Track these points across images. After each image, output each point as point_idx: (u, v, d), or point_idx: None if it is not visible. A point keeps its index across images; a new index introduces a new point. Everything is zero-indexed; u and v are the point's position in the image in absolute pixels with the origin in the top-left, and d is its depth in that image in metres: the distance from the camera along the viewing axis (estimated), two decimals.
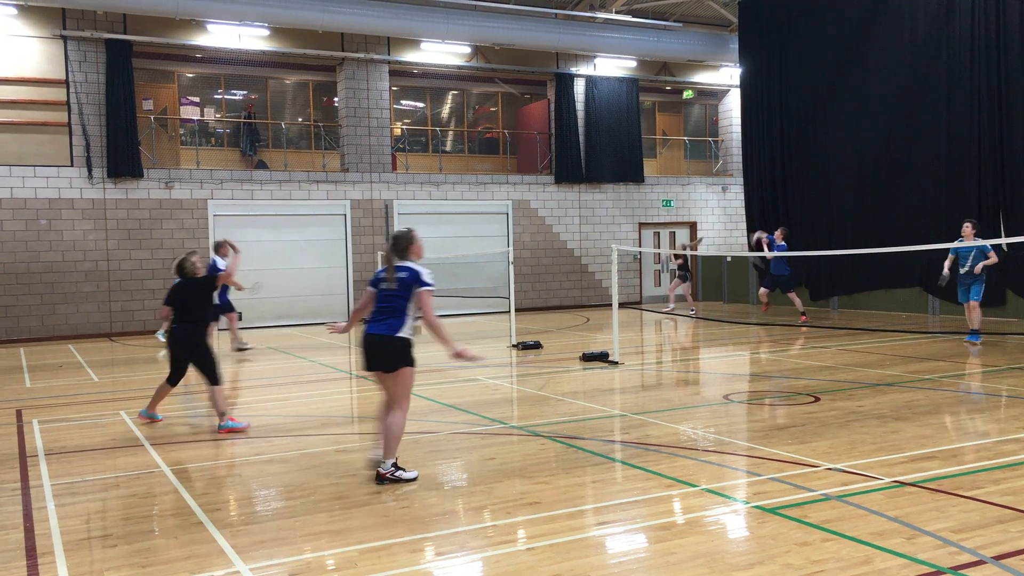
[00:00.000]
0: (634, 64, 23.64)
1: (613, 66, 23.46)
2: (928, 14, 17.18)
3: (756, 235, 17.84)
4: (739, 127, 23.55)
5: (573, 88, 23.02)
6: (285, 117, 21.85)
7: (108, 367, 13.47)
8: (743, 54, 22.00)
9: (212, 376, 8.22)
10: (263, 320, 19.64)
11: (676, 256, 20.51)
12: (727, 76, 25.07)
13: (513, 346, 14.11)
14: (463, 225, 21.88)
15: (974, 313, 12.61)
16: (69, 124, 18.11)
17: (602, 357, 12.17)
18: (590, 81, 23.14)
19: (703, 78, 25.13)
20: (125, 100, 18.27)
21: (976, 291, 12.51)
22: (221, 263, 13.83)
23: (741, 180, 23.20)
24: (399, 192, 21.16)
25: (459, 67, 22.12)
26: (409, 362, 6.12)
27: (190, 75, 20.84)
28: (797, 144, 20.39)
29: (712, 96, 26.34)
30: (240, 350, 14.52)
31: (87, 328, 18.15)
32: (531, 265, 22.49)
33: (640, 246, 23.96)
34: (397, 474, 6.06)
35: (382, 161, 21.00)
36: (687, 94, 25.85)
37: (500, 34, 20.78)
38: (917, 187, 17.49)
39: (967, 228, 12.59)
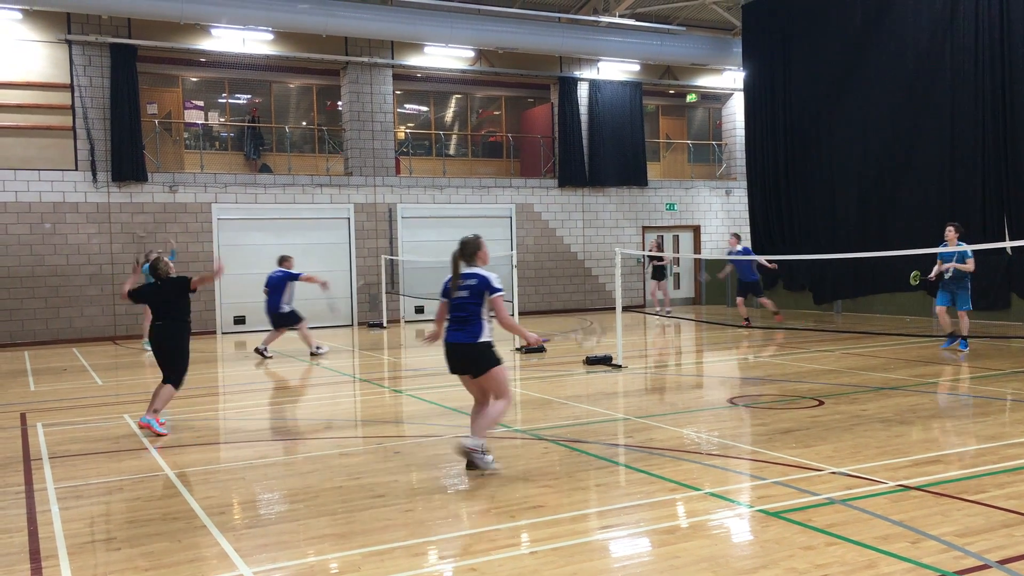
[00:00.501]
0: (637, 68, 23.65)
1: (616, 70, 23.48)
2: (931, 18, 17.17)
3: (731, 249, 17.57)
4: (743, 131, 23.55)
5: (576, 92, 23.03)
6: (289, 121, 21.89)
7: (112, 370, 13.49)
8: (746, 58, 22.00)
9: (174, 377, 8.24)
10: (266, 324, 19.59)
11: (652, 257, 20.63)
12: (730, 80, 25.07)
13: (516, 350, 14.10)
14: (467, 229, 21.57)
15: (963, 321, 12.36)
16: (74, 128, 18.16)
17: (606, 361, 12.16)
18: (593, 85, 23.15)
19: (706, 82, 25.13)
20: (129, 104, 18.32)
21: (963, 299, 12.23)
22: (295, 272, 14.48)
23: (745, 184, 23.19)
24: (403, 196, 21.18)
25: (463, 71, 22.14)
26: (496, 362, 6.35)
27: (194, 79, 20.89)
28: (801, 148, 20.38)
29: (715, 100, 26.34)
30: (315, 354, 14.43)
31: (91, 331, 18.18)
32: (535, 268, 22.49)
33: (643, 249, 23.93)
34: (484, 457, 6.27)
35: (386, 165, 21.02)
36: (691, 98, 25.85)
37: (504, 38, 20.80)
38: (921, 191, 17.47)
39: (950, 232, 12.28)
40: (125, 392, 11.19)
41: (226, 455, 7.51)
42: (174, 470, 6.81)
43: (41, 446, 7.89)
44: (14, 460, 7.37)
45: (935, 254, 12.54)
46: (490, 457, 6.34)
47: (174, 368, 8.27)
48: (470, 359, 6.31)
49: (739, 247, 17.19)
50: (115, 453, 7.52)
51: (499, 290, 6.31)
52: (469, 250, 6.50)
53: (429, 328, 6.88)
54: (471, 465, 6.32)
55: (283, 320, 14.51)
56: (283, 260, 14.66)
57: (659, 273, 20.77)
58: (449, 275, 6.50)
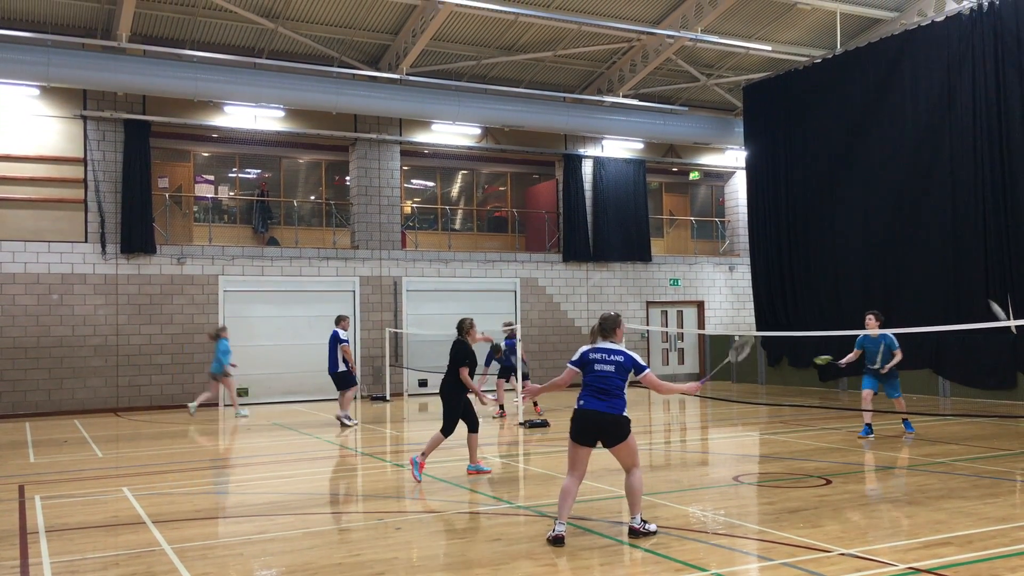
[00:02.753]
0: (641, 146, 24.06)
1: (620, 148, 23.88)
2: (930, 98, 17.52)
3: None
4: (745, 208, 23.80)
5: (581, 168, 23.38)
6: (298, 195, 22.20)
7: (113, 443, 13.39)
8: (748, 137, 22.39)
9: (471, 423, 9.52)
10: (270, 396, 19.58)
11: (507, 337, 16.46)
12: (732, 158, 25.46)
13: (520, 424, 13.99)
14: (471, 302, 21.94)
15: (900, 405, 12.05)
16: (85, 201, 18.43)
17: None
18: (598, 162, 23.51)
19: (709, 160, 25.52)
20: (141, 178, 18.62)
21: (894, 386, 11.91)
22: (343, 335, 14.91)
23: (748, 260, 23.33)
24: (408, 269, 21.32)
25: (469, 147, 22.53)
26: (630, 431, 6.68)
27: (206, 154, 21.27)
28: (803, 225, 20.56)
29: (718, 178, 26.70)
30: (344, 422, 14.66)
31: (94, 403, 18.11)
32: (539, 343, 22.47)
33: (648, 325, 23.95)
34: (647, 527, 6.62)
35: (392, 239, 21.23)
36: (693, 175, 26.22)
37: (510, 116, 21.23)
38: (924, 269, 17.55)
39: (870, 320, 11.92)
40: (125, 465, 11.09)
41: (225, 530, 7.40)
42: (172, 545, 6.71)
43: (38, 519, 7.79)
44: (10, 534, 7.27)
45: (946, 333, 12.41)
46: (653, 526, 6.67)
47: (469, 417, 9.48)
48: (612, 430, 6.57)
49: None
50: (113, 527, 7.42)
51: (647, 368, 6.81)
52: (609, 326, 6.84)
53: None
54: (634, 533, 6.60)
55: (338, 381, 14.95)
56: (340, 320, 15.17)
57: (506, 372, 16.45)
58: (588, 346, 6.83)
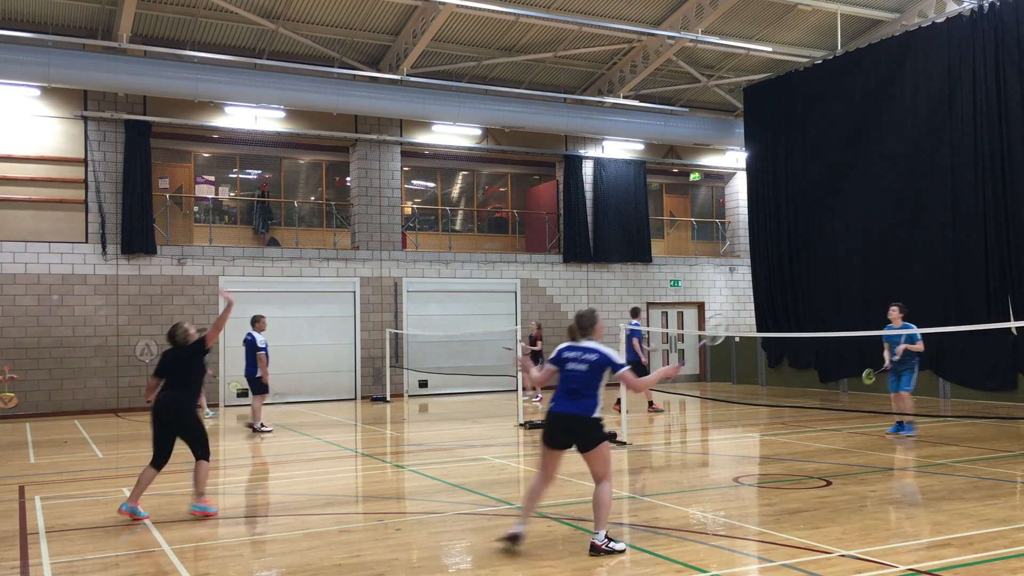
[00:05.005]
0: (641, 147, 24.06)
1: (621, 149, 23.88)
2: (931, 98, 17.51)
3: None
4: (745, 209, 23.80)
5: (581, 169, 23.38)
6: (298, 196, 22.20)
7: (113, 443, 13.39)
8: (748, 138, 22.39)
9: (200, 449, 7.75)
10: (270, 396, 19.51)
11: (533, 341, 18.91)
12: (733, 159, 25.46)
13: (520, 425, 13.99)
14: (471, 303, 21.97)
15: (904, 403, 11.81)
16: (86, 201, 18.43)
17: (610, 438, 12.03)
18: (598, 163, 23.52)
19: (709, 161, 25.52)
20: (142, 179, 18.62)
21: (907, 379, 11.77)
22: (260, 340, 14.32)
23: (748, 261, 23.32)
24: (408, 270, 21.32)
25: (470, 148, 22.54)
26: (605, 437, 6.28)
27: (206, 155, 21.28)
28: (803, 226, 20.55)
29: (719, 179, 26.70)
30: (252, 427, 14.33)
31: (94, 404, 18.11)
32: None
33: (648, 326, 23.94)
34: (611, 545, 6.13)
35: (392, 239, 21.23)
36: (694, 176, 26.23)
37: (510, 117, 21.23)
38: (924, 269, 17.54)
39: (894, 312, 11.89)
40: (125, 465, 11.09)
41: (224, 531, 7.40)
42: (171, 546, 6.71)
43: (38, 520, 7.79)
44: (10, 534, 7.27)
45: (943, 335, 12.32)
46: (619, 544, 6.19)
47: (196, 441, 7.74)
48: (581, 432, 6.22)
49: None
50: (113, 528, 7.41)
51: (624, 365, 6.38)
52: (585, 322, 6.48)
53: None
54: (595, 550, 6.13)
55: (253, 386, 14.31)
56: (256, 321, 14.42)
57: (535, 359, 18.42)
58: (566, 343, 6.52)
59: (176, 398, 7.78)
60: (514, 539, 6.19)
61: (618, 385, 10.18)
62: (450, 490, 8.81)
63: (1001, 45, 16.24)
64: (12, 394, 16.68)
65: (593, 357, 6.31)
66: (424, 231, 23.24)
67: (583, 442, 6.23)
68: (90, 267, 18.32)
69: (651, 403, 16.49)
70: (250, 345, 14.27)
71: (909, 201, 17.92)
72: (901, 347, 11.68)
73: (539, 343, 18.50)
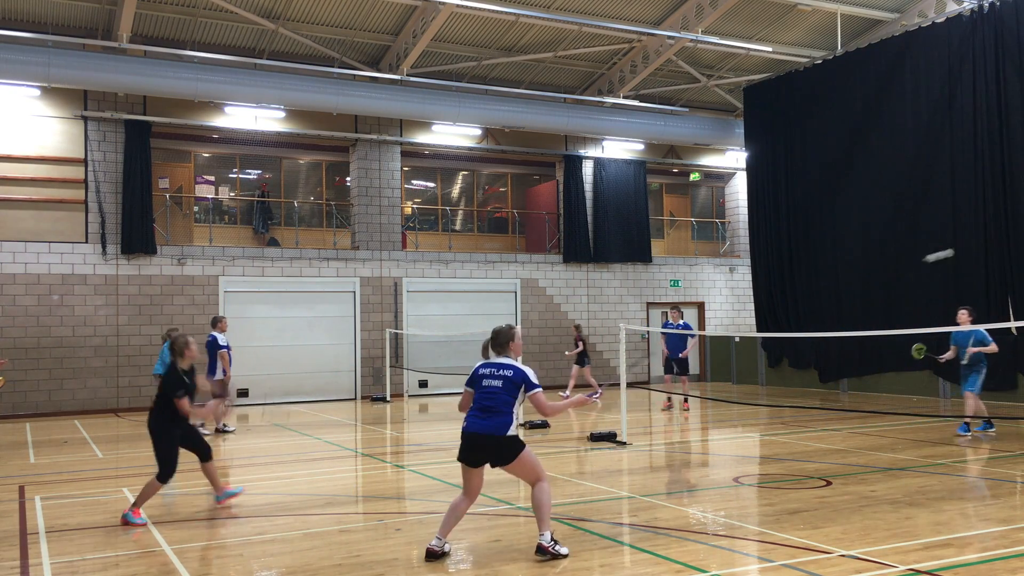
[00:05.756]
0: (641, 147, 24.06)
1: (621, 148, 23.88)
2: (931, 100, 17.51)
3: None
4: (745, 209, 23.80)
5: (581, 169, 23.38)
6: (298, 196, 22.20)
7: (113, 443, 13.39)
8: (748, 138, 22.39)
9: (159, 466, 7.60)
10: (270, 396, 19.58)
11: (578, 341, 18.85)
12: (733, 159, 25.46)
13: (520, 425, 13.99)
14: (472, 303, 21.97)
15: (967, 403, 11.86)
16: (86, 201, 18.43)
17: (610, 437, 12.05)
18: (598, 163, 23.51)
19: (709, 161, 25.52)
20: (142, 179, 18.62)
21: (973, 381, 11.76)
22: (221, 339, 14.09)
23: (748, 261, 23.32)
24: (408, 270, 21.32)
25: (470, 148, 22.54)
26: (521, 447, 6.14)
27: (206, 155, 21.28)
28: (803, 226, 20.55)
29: (719, 179, 26.70)
30: (219, 430, 14.07)
31: (94, 404, 18.10)
32: (539, 344, 22.47)
33: (648, 326, 23.95)
34: (557, 548, 6.03)
35: (392, 239, 21.23)
36: (694, 176, 26.23)
37: (510, 117, 21.23)
38: (925, 270, 17.52)
39: (963, 315, 11.83)
40: (125, 465, 11.09)
41: (224, 531, 7.40)
42: (171, 546, 6.71)
43: (38, 520, 7.79)
44: (10, 534, 7.27)
45: (944, 334, 12.34)
46: (564, 549, 6.09)
47: (157, 456, 7.67)
48: (495, 452, 6.10)
49: (681, 322, 16.89)
50: (113, 528, 7.41)
51: (538, 387, 6.20)
52: (502, 339, 6.38)
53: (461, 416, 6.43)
54: (542, 551, 6.06)
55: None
56: (216, 322, 14.30)
57: (583, 359, 18.71)
58: (479, 363, 6.36)
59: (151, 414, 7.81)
60: (432, 555, 6.04)
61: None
62: (450, 490, 8.81)
63: (1001, 45, 16.24)
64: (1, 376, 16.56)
65: (508, 373, 6.18)
66: (424, 231, 23.24)
67: (498, 460, 6.12)
68: (90, 267, 18.32)
69: (685, 398, 16.90)
70: (211, 346, 14.02)
71: (909, 201, 17.92)
72: (971, 351, 11.58)
73: (580, 343, 18.49)
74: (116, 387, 18.31)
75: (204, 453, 8.03)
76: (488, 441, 6.08)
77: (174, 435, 7.72)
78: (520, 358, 6.47)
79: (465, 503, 6.24)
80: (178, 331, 15.65)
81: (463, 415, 6.32)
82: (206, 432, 13.72)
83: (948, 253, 10.70)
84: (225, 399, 13.78)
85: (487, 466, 6.22)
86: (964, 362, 11.80)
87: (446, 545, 6.15)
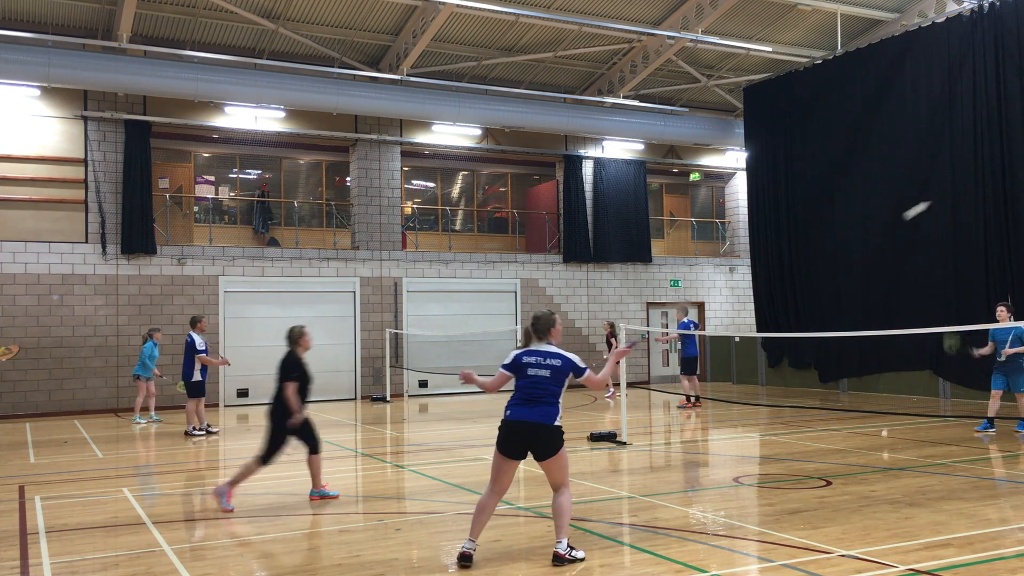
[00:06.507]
0: (641, 147, 24.06)
1: (621, 148, 23.88)
2: (931, 100, 17.50)
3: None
4: (745, 209, 23.80)
5: (581, 169, 23.38)
6: (298, 196, 22.20)
7: (113, 443, 13.39)
8: (748, 138, 22.38)
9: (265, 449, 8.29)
10: (270, 397, 19.53)
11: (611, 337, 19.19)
12: (733, 159, 25.46)
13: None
14: (472, 303, 21.98)
15: (1020, 403, 11.68)
16: (86, 201, 18.43)
17: (610, 437, 12.05)
18: (598, 163, 23.51)
19: (709, 161, 25.52)
20: (142, 178, 18.62)
21: (1020, 381, 11.55)
22: (199, 341, 13.97)
23: (748, 261, 23.33)
24: (408, 270, 21.33)
25: (470, 148, 22.54)
26: (563, 441, 6.06)
27: (206, 154, 21.28)
28: (803, 226, 20.55)
29: (719, 179, 26.70)
30: (188, 433, 13.83)
31: (94, 403, 18.11)
32: None
33: (648, 326, 23.96)
34: (573, 553, 5.94)
35: (392, 239, 21.23)
36: (694, 176, 26.22)
37: (510, 117, 21.23)
38: (925, 270, 17.54)
39: (1001, 311, 11.54)
40: (125, 465, 11.09)
41: (224, 531, 7.40)
42: (172, 546, 6.71)
43: (38, 520, 7.79)
44: (10, 534, 7.27)
45: (961, 332, 12.21)
46: (580, 553, 6.01)
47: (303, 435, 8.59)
48: (542, 441, 5.94)
49: (684, 320, 17.13)
50: (113, 528, 7.42)
51: (585, 368, 6.19)
52: (543, 325, 6.21)
53: (479, 378, 6.25)
54: (559, 559, 5.90)
55: (189, 389, 13.92)
56: (196, 322, 14.20)
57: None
58: (521, 348, 6.22)
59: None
60: (465, 559, 5.87)
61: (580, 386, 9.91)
62: (450, 490, 8.82)
63: (1001, 45, 16.24)
64: (14, 347, 16.50)
65: (557, 363, 6.06)
66: (424, 231, 23.24)
67: (542, 451, 5.97)
68: (90, 267, 18.32)
69: (697, 397, 16.85)
70: (189, 347, 13.89)
71: (909, 201, 17.83)
72: (1008, 350, 11.42)
73: (614, 341, 18.22)
74: (116, 387, 18.31)
75: (313, 445, 8.56)
76: (537, 429, 5.93)
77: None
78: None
79: (494, 500, 6.07)
80: (159, 330, 15.80)
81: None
82: (197, 433, 13.76)
83: (924, 206, 10.40)
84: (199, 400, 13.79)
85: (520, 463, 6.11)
86: (1001, 359, 11.63)
87: (565, 544, 5.94)
